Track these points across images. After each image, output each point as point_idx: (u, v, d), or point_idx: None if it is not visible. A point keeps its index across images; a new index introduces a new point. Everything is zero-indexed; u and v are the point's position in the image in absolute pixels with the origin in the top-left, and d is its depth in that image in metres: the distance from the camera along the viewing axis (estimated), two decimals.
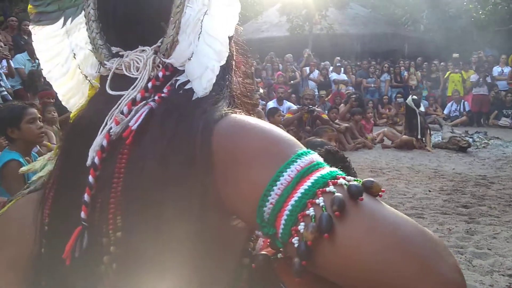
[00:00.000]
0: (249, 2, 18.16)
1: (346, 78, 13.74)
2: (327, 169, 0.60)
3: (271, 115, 7.99)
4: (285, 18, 16.86)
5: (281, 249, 0.62)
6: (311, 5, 16.14)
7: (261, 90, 11.73)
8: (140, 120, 0.66)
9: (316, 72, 13.39)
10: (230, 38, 0.76)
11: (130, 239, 0.62)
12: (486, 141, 9.43)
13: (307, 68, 13.43)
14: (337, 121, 8.91)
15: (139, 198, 0.62)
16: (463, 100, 13.11)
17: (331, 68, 13.95)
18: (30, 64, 7.22)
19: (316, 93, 11.71)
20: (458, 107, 13.07)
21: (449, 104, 13.39)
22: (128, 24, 0.72)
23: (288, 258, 0.67)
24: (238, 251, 0.70)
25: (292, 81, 13.04)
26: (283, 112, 9.07)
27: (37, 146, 4.38)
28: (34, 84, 6.42)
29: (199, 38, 0.69)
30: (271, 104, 9.53)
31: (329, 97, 11.50)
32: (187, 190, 0.61)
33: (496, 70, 13.56)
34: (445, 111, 13.27)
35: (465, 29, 15.40)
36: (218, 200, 0.62)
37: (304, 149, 0.62)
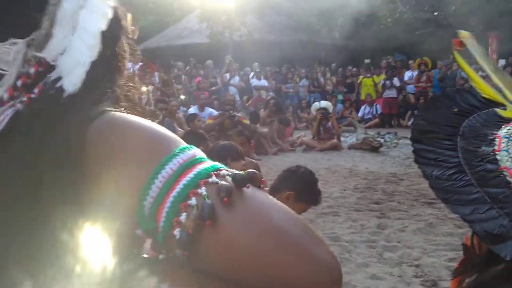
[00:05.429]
0: (168, 8, 17.92)
1: (266, 84, 14.01)
2: (210, 163, 0.60)
3: (191, 121, 7.96)
4: (205, 25, 16.84)
5: (162, 246, 0.61)
6: (231, 12, 16.28)
7: (182, 97, 11.61)
8: (1, 126, 0.61)
9: (237, 78, 13.51)
10: (118, 38, 0.73)
11: None
12: (396, 141, 10.02)
13: (228, 74, 13.52)
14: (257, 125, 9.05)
15: (3, 210, 0.58)
16: (375, 103, 13.87)
17: (251, 74, 14.15)
18: None
19: (238, 99, 11.81)
20: (371, 110, 13.80)
21: (362, 107, 14.09)
22: None
23: (171, 259, 0.66)
24: (121, 257, 0.68)
25: (213, 87, 13.04)
26: (204, 118, 9.05)
27: None
28: None
29: (73, 32, 0.66)
30: (192, 110, 9.48)
31: (249, 102, 11.64)
32: (60, 193, 0.58)
33: (407, 74, 14.47)
34: (359, 114, 13.93)
35: (376, 36, 16.30)
36: (95, 202, 0.59)
37: (186, 144, 0.62)
